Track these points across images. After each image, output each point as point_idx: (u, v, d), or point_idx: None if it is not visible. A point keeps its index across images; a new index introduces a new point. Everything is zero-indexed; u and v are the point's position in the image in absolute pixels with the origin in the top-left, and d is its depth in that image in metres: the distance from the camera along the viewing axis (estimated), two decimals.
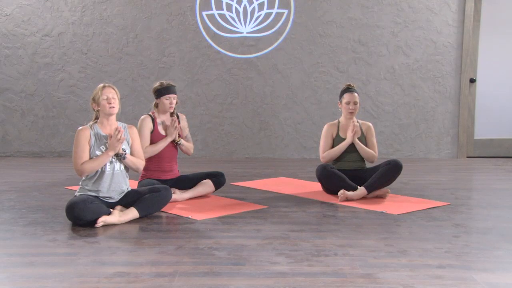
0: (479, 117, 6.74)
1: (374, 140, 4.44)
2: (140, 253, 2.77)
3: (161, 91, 4.08)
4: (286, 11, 6.55)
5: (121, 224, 3.35)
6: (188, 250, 2.81)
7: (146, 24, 6.61)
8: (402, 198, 4.18)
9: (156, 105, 4.15)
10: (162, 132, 4.12)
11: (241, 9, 6.54)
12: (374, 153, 4.37)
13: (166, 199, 3.62)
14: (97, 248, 2.87)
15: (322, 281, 2.36)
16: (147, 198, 3.50)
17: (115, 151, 3.43)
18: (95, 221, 3.27)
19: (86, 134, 3.43)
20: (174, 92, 4.10)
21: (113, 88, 3.51)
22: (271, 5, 6.54)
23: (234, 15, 6.56)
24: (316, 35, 6.58)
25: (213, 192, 4.25)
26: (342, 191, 4.06)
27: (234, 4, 6.54)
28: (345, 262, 2.62)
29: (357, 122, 4.42)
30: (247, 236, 3.10)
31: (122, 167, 3.54)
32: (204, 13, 6.56)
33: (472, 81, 6.64)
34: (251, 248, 2.85)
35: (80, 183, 3.52)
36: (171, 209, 3.76)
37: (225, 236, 3.09)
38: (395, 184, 4.50)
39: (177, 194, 4.02)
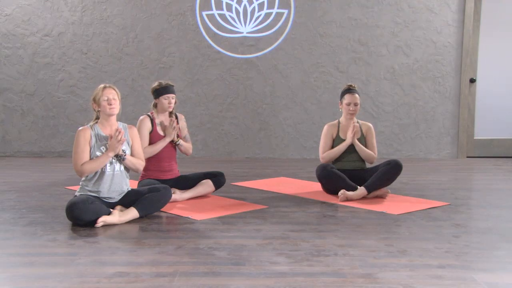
0: (479, 117, 6.74)
1: (374, 141, 4.44)
2: (140, 253, 2.77)
3: (160, 91, 4.08)
4: (286, 11, 6.55)
5: (121, 224, 3.35)
6: (188, 250, 2.81)
7: (146, 24, 6.61)
8: (402, 198, 4.18)
9: (155, 105, 4.15)
10: (161, 133, 4.12)
11: (241, 9, 6.54)
12: (373, 154, 4.37)
13: (166, 198, 3.62)
14: (97, 248, 2.87)
15: (322, 281, 2.36)
16: (147, 198, 3.50)
17: (115, 152, 3.43)
18: (95, 221, 3.27)
19: (86, 135, 3.43)
20: (172, 92, 4.11)
21: (114, 89, 3.51)
22: (271, 5, 6.54)
23: (234, 15, 6.56)
24: (316, 35, 6.58)
25: (213, 192, 4.25)
26: (342, 191, 4.05)
27: (234, 4, 6.54)
28: (345, 262, 2.62)
29: (357, 122, 4.42)
30: (247, 236, 3.10)
31: (122, 167, 3.54)
32: (204, 13, 6.56)
33: (472, 81, 6.64)
34: (251, 248, 2.85)
35: (80, 183, 3.52)
36: (171, 209, 3.76)
37: (225, 236, 3.09)
38: (395, 184, 4.50)
39: (177, 194, 4.02)
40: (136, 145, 3.65)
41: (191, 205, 3.90)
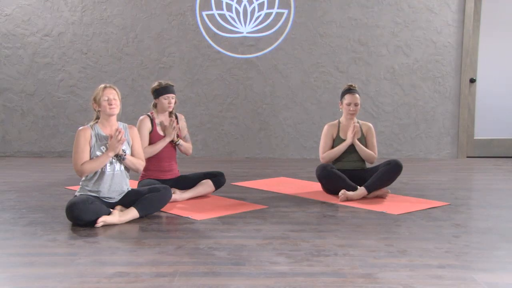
0: (479, 117, 6.74)
1: (374, 141, 4.44)
2: (140, 253, 2.77)
3: (160, 91, 4.08)
4: (286, 11, 6.55)
5: (121, 224, 3.35)
6: (188, 250, 2.81)
7: (146, 24, 6.61)
8: (402, 198, 4.18)
9: (155, 105, 4.15)
10: (161, 133, 4.12)
11: (241, 9, 6.54)
12: (373, 154, 4.36)
13: (166, 198, 3.62)
14: (97, 248, 2.87)
15: (322, 281, 2.36)
16: (147, 198, 3.50)
17: (115, 152, 3.43)
18: (95, 221, 3.27)
19: (86, 135, 3.43)
20: (172, 92, 4.11)
21: (114, 89, 3.51)
22: (271, 5, 6.54)
23: (234, 15, 6.56)
24: (316, 35, 6.58)
25: (213, 192, 4.25)
26: (342, 191, 4.05)
27: (234, 4, 6.54)
28: (345, 262, 2.62)
29: (358, 122, 4.42)
30: (247, 236, 3.10)
31: (122, 167, 3.54)
32: (204, 13, 6.56)
33: (472, 81, 6.64)
34: (251, 248, 2.85)
35: (80, 183, 3.52)
36: (171, 209, 3.76)
37: (225, 236, 3.09)
38: (395, 184, 4.50)
39: (177, 194, 4.02)
40: (136, 145, 3.65)
41: (191, 205, 3.90)
